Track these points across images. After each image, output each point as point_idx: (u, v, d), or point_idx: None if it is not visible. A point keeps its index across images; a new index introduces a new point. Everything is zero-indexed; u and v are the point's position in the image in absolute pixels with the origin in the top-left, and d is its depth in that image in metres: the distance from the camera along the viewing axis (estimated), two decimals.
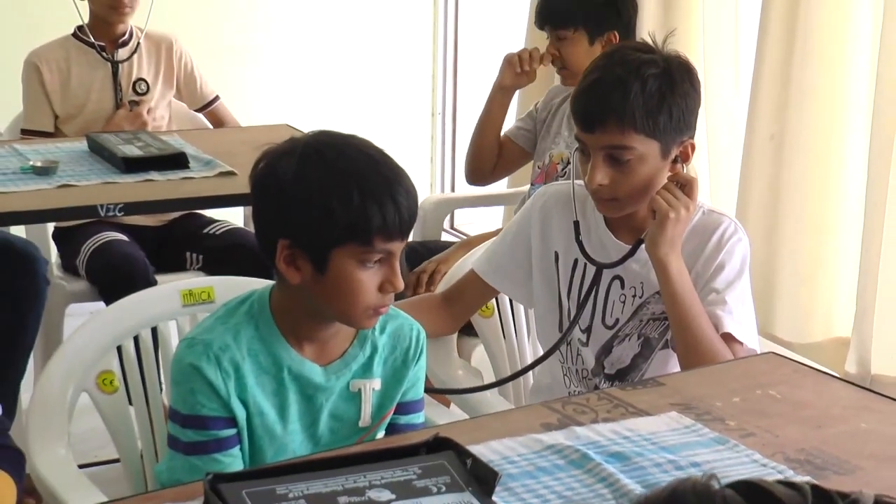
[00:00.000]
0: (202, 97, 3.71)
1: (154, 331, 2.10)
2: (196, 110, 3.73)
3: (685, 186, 2.06)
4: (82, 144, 3.18)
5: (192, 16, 4.54)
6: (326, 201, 1.61)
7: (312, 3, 4.92)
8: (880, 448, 1.64)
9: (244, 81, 4.71)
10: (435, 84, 5.25)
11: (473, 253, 2.45)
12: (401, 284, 1.68)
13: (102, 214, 2.77)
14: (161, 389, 2.10)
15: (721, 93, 3.51)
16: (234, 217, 3.59)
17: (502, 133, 3.33)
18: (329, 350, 1.75)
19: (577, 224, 2.17)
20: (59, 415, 1.94)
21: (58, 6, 3.59)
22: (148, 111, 3.51)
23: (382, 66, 5.08)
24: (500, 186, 3.73)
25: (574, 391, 2.21)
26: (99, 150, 3.09)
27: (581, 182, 2.14)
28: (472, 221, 4.98)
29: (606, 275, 2.16)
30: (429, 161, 5.32)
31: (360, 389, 1.77)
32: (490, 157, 3.33)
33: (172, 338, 2.07)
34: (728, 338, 2.05)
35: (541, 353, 2.30)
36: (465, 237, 4.46)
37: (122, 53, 3.53)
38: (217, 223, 3.43)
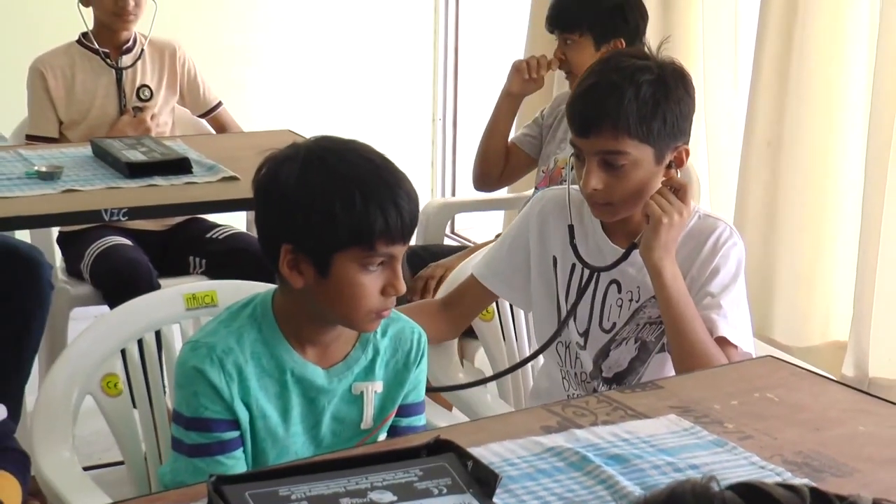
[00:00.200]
0: (205, 103, 3.72)
1: (158, 334, 2.12)
2: (199, 116, 3.74)
3: (679, 191, 2.06)
4: (86, 150, 3.19)
5: (194, 23, 4.55)
6: (329, 206, 1.62)
7: (314, 8, 4.93)
8: (877, 450, 1.64)
9: (246, 87, 4.72)
10: (436, 89, 5.26)
11: (472, 258, 2.46)
12: (403, 288, 1.69)
13: (106, 219, 2.78)
14: (165, 392, 2.11)
15: (720, 95, 3.52)
16: (237, 221, 3.59)
17: (509, 140, 3.35)
18: (331, 353, 1.76)
19: (571, 228, 2.18)
20: (63, 417, 1.95)
21: (62, 13, 3.61)
22: (151, 117, 3.52)
23: (383, 72, 5.09)
24: (501, 191, 3.74)
25: (573, 394, 2.22)
26: (103, 156, 3.11)
27: (577, 187, 2.16)
28: (473, 226, 4.99)
29: (603, 279, 2.17)
30: (429, 166, 5.33)
31: (362, 392, 1.78)
32: (497, 163, 3.34)
33: (176, 341, 2.09)
34: (723, 342, 2.05)
35: (540, 357, 2.31)
36: (466, 241, 4.48)
37: (125, 60, 3.55)
38: (220, 228, 3.43)
